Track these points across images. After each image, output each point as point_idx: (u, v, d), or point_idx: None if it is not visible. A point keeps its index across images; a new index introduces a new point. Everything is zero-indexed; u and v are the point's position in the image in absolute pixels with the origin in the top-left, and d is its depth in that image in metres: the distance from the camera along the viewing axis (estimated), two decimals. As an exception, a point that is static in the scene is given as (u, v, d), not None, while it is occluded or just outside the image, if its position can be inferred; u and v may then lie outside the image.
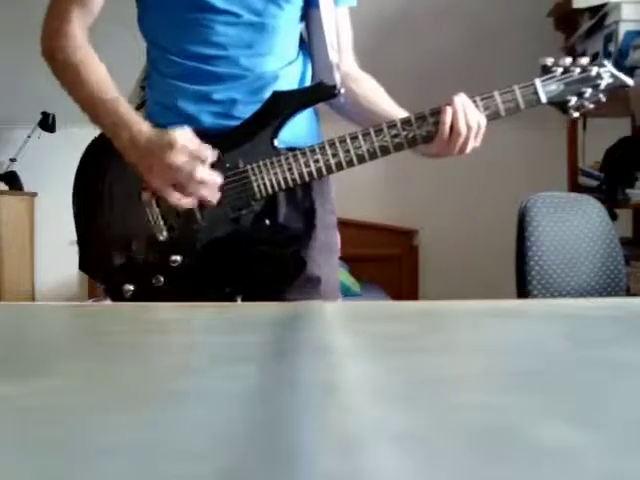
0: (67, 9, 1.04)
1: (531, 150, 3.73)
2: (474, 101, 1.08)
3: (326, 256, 1.14)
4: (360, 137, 1.06)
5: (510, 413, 0.26)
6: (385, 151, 1.07)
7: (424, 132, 1.07)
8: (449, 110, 1.05)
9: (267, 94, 1.07)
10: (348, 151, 1.05)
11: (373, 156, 1.06)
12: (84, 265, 1.11)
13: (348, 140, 1.06)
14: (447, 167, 3.86)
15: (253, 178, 1.05)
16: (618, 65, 2.52)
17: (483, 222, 3.74)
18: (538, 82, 1.09)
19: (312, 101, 1.11)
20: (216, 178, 1.02)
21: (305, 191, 1.13)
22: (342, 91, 1.09)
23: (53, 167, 3.87)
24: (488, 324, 0.56)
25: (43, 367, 0.37)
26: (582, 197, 2.06)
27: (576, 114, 1.11)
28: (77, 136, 4.26)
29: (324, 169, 1.06)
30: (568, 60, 1.10)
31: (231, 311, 0.66)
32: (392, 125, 1.07)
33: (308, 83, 1.16)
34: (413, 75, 3.33)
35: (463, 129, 1.06)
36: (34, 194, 3.90)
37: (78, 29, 1.05)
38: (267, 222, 1.08)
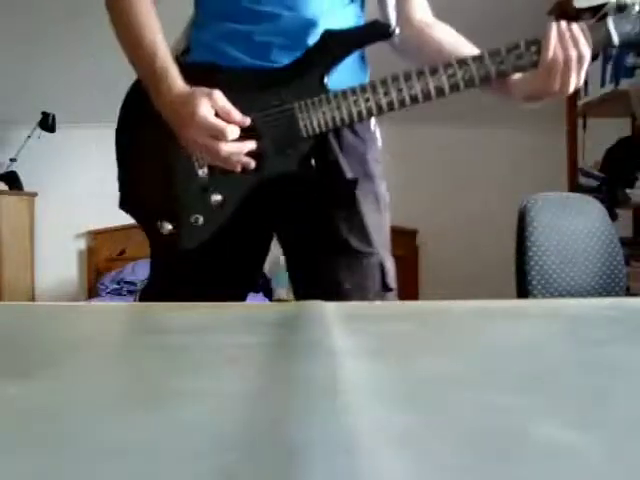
0: None
1: (531, 150, 3.74)
2: (580, 27, 0.99)
3: (374, 206, 1.09)
4: (414, 76, 0.99)
5: (510, 413, 0.26)
6: (440, 92, 0.99)
7: (505, 67, 0.98)
8: (553, 33, 0.98)
9: (310, 40, 1.03)
10: (401, 90, 0.99)
11: (427, 96, 0.99)
12: (125, 203, 1.09)
13: (401, 78, 0.99)
14: (447, 167, 3.87)
15: (299, 116, 1.00)
16: (618, 65, 2.52)
17: (483, 222, 3.75)
18: (610, 21, 1.01)
19: (366, 41, 1.05)
20: (244, 145, 0.97)
21: (355, 137, 1.08)
22: (397, 31, 1.03)
23: (53, 167, 3.87)
24: (488, 324, 0.56)
25: (43, 367, 0.37)
26: (582, 197, 2.06)
27: None
28: (77, 136, 4.24)
29: (374, 108, 0.99)
30: None
31: (230, 311, 0.66)
32: (449, 64, 0.99)
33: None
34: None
35: (561, 58, 0.97)
36: (34, 194, 3.90)
37: None
38: (312, 162, 1.02)
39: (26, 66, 3.63)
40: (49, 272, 3.94)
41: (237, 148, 0.97)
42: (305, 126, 1.00)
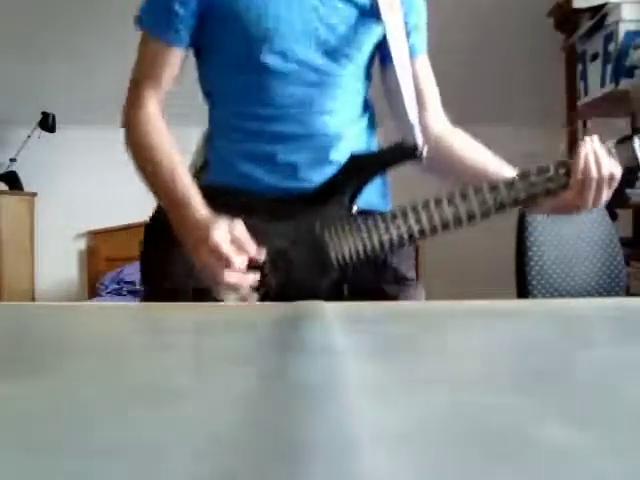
0: (142, 91, 1.03)
1: (531, 150, 3.74)
2: (608, 149, 1.00)
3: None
4: (444, 201, 0.99)
5: (510, 413, 0.26)
6: (471, 218, 1.01)
7: (527, 193, 0.99)
8: (582, 157, 0.97)
9: (333, 155, 1.03)
10: (431, 217, 0.98)
11: (459, 223, 1.00)
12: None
13: (432, 204, 0.98)
14: (447, 167, 3.87)
15: (331, 245, 0.98)
16: (618, 65, 2.52)
17: (483, 222, 3.74)
18: (637, 142, 1.01)
19: (392, 163, 1.03)
20: (244, 280, 0.93)
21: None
22: (424, 152, 1.02)
23: (53, 167, 3.87)
24: (488, 324, 0.56)
25: (43, 367, 0.37)
26: (582, 197, 2.06)
27: None
28: (77, 136, 4.25)
29: (405, 236, 0.98)
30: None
31: (231, 311, 0.66)
32: (479, 190, 0.99)
33: (374, 143, 1.11)
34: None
35: (594, 178, 0.98)
36: (34, 194, 3.90)
37: (153, 108, 1.04)
38: (345, 290, 1.01)
39: (26, 66, 3.63)
40: (49, 272, 3.94)
41: (235, 281, 0.92)
42: (336, 256, 0.99)
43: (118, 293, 3.45)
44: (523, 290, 1.83)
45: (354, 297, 1.00)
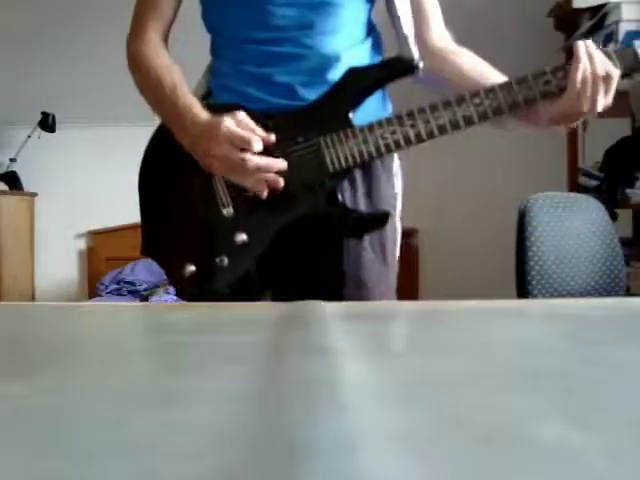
0: (144, 21, 1.07)
1: (531, 150, 3.73)
2: (605, 51, 0.99)
3: (380, 256, 1.06)
4: (440, 106, 0.97)
5: (510, 413, 0.26)
6: (469, 121, 0.98)
7: (534, 94, 0.97)
8: (582, 52, 0.97)
9: (331, 75, 1.02)
10: (428, 121, 0.97)
11: (456, 126, 0.98)
12: (147, 247, 1.08)
13: (427, 110, 0.97)
14: (447, 167, 3.87)
15: (326, 151, 0.99)
16: (618, 65, 2.52)
17: (483, 222, 3.75)
18: (639, 46, 1.01)
19: (390, 77, 1.03)
20: (273, 161, 0.96)
21: (368, 182, 1.07)
22: (421, 65, 1.01)
23: (53, 167, 3.87)
24: (488, 324, 0.56)
25: (43, 367, 0.37)
26: (582, 197, 2.06)
27: None
28: (77, 136, 4.26)
29: (402, 140, 0.98)
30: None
31: (230, 311, 0.66)
32: (475, 94, 0.98)
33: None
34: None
35: (589, 78, 0.96)
36: (34, 194, 3.90)
37: (154, 35, 1.07)
38: (340, 198, 1.01)
39: (26, 66, 3.63)
40: (49, 272, 3.94)
41: (265, 162, 0.95)
42: (332, 161, 0.99)
43: (118, 293, 3.45)
44: (523, 290, 1.83)
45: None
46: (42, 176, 3.87)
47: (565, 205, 1.92)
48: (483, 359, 0.39)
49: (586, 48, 0.98)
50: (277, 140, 0.98)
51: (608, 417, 0.26)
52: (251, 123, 0.95)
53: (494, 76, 1.05)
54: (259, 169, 0.95)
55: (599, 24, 2.60)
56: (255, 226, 1.00)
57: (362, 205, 1.06)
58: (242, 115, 0.96)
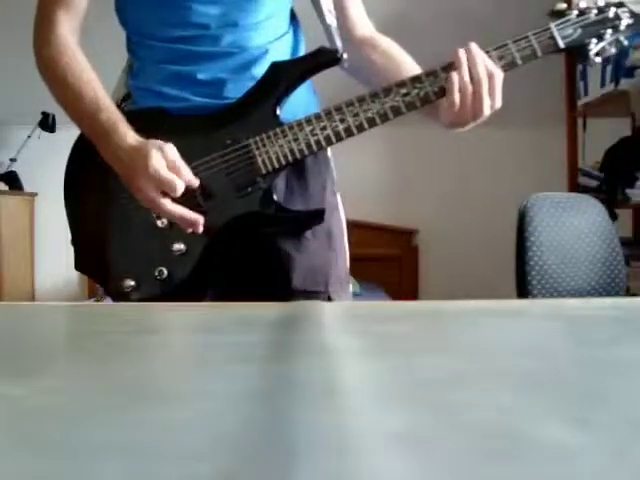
0: (51, 14, 1.00)
1: (531, 150, 3.74)
2: (487, 52, 0.98)
3: (325, 243, 1.06)
4: (368, 99, 0.97)
5: (510, 413, 0.26)
6: (397, 111, 0.97)
7: (436, 88, 0.98)
8: (454, 64, 0.97)
9: (257, 70, 1.00)
10: (357, 115, 0.97)
11: (384, 118, 0.97)
12: (80, 264, 1.04)
13: (356, 103, 0.97)
14: (447, 167, 3.87)
15: (257, 152, 0.97)
16: (618, 65, 2.52)
17: (483, 222, 3.75)
18: (553, 27, 1.02)
19: (314, 68, 1.01)
20: (187, 215, 0.93)
21: (300, 171, 1.05)
22: (345, 56, 1.00)
23: (53, 167, 3.86)
24: (488, 324, 0.56)
25: (43, 367, 0.37)
26: (582, 197, 2.07)
27: (598, 59, 1.03)
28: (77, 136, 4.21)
29: (333, 136, 0.97)
30: (582, 3, 1.03)
31: (230, 311, 0.66)
32: (401, 84, 0.98)
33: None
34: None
35: (468, 83, 0.95)
36: (34, 194, 3.90)
37: (64, 32, 1.00)
38: (275, 198, 1.00)
39: (26, 66, 3.63)
40: (49, 272, 3.94)
41: (180, 214, 0.93)
42: (264, 162, 0.98)
43: (118, 293, 3.45)
44: (523, 290, 1.83)
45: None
46: (42, 176, 3.87)
47: (565, 205, 1.92)
48: (483, 359, 0.39)
49: (465, 51, 0.97)
50: (206, 143, 0.97)
51: (608, 417, 0.26)
52: (178, 161, 0.92)
53: (405, 74, 1.03)
54: (174, 217, 0.93)
55: (599, 24, 2.59)
56: (191, 233, 0.97)
57: (298, 199, 1.05)
58: (171, 153, 0.92)
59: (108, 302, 1.09)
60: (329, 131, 0.97)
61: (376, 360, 0.38)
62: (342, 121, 0.97)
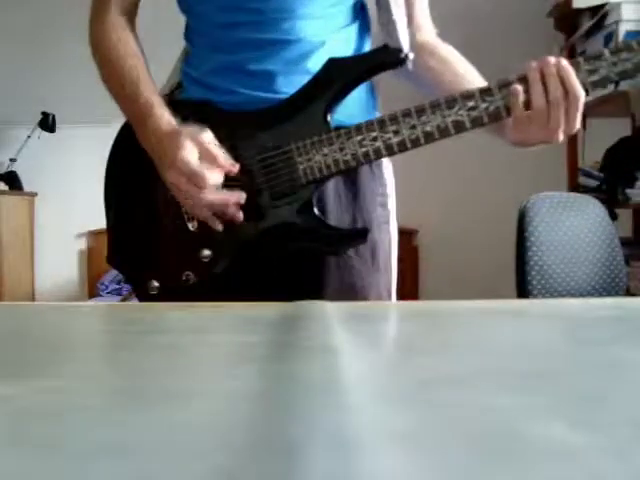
0: (105, 4, 0.97)
1: (531, 150, 3.73)
2: (576, 63, 0.84)
3: (368, 261, 0.98)
4: (428, 109, 0.86)
5: (510, 413, 0.26)
6: (460, 127, 0.86)
7: (506, 103, 0.86)
8: (525, 78, 0.85)
9: (311, 64, 0.93)
10: (414, 127, 0.87)
11: (444, 133, 0.87)
12: (112, 258, 1.01)
13: (414, 114, 0.87)
14: (447, 167, 3.87)
15: (298, 159, 0.89)
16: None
17: (483, 222, 3.75)
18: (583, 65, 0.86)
19: (375, 68, 0.92)
20: (230, 197, 0.87)
21: (352, 181, 0.98)
22: (411, 56, 0.91)
23: (53, 167, 3.88)
24: (488, 324, 0.56)
25: (43, 367, 0.37)
26: (582, 197, 2.07)
27: None
28: (77, 136, 4.27)
29: (383, 149, 0.88)
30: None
31: (231, 311, 0.66)
32: (469, 95, 0.86)
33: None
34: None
35: (540, 102, 0.84)
36: (34, 194, 3.90)
37: (116, 16, 0.97)
38: (316, 211, 0.91)
39: (26, 66, 3.63)
40: (49, 272, 3.94)
41: (220, 199, 0.86)
42: (305, 171, 0.90)
43: (118, 293, 3.46)
44: (523, 290, 1.83)
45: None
46: (42, 176, 3.87)
47: (565, 205, 1.92)
48: (483, 359, 0.39)
49: (541, 66, 0.85)
50: (250, 141, 0.92)
51: (608, 417, 0.26)
52: (214, 150, 0.86)
53: (465, 85, 0.94)
54: (212, 206, 0.87)
55: (599, 24, 2.60)
56: (220, 240, 0.92)
57: (345, 210, 0.97)
58: (206, 142, 0.86)
59: (134, 302, 1.06)
60: (380, 143, 0.88)
61: (376, 360, 0.38)
62: (396, 133, 0.87)
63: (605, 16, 2.55)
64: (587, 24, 2.67)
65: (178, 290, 0.93)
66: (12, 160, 3.79)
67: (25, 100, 3.67)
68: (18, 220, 3.81)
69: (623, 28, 2.45)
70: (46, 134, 3.67)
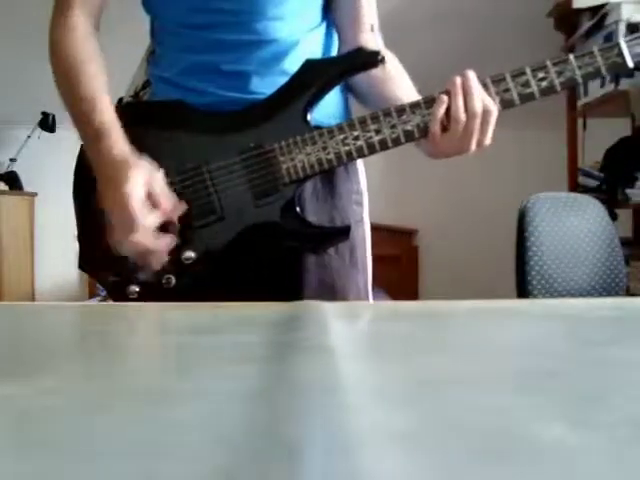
0: (68, 8, 0.94)
1: (531, 150, 3.74)
2: (484, 84, 0.89)
3: (347, 259, 0.99)
4: (408, 109, 0.89)
5: (510, 413, 0.26)
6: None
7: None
8: (444, 96, 0.88)
9: (287, 64, 0.93)
10: (394, 126, 0.88)
11: (423, 132, 0.89)
12: (84, 264, 0.98)
13: (394, 113, 0.88)
14: (447, 167, 3.87)
15: (281, 159, 0.89)
16: (618, 65, 2.52)
17: (483, 222, 3.75)
18: (623, 42, 0.88)
19: (352, 70, 0.93)
20: (154, 245, 0.84)
21: (329, 180, 0.98)
22: (386, 57, 0.92)
23: (53, 167, 3.88)
24: (488, 324, 0.56)
25: (43, 367, 0.37)
26: (582, 197, 2.07)
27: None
28: (77, 136, 4.24)
29: (365, 148, 0.89)
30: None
31: (230, 311, 0.66)
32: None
33: (334, 54, 1.01)
34: (412, 77, 3.33)
35: (461, 116, 0.87)
36: (34, 194, 3.90)
37: (81, 18, 0.94)
38: (298, 210, 0.92)
39: (26, 66, 3.63)
40: (49, 272, 3.94)
41: (144, 244, 0.84)
42: (288, 170, 0.90)
43: (118, 293, 3.46)
44: (523, 290, 1.83)
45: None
46: (42, 176, 3.87)
47: (565, 205, 1.92)
48: (483, 359, 0.39)
49: (461, 82, 0.88)
50: (228, 142, 0.91)
51: (608, 417, 0.26)
52: (162, 191, 0.84)
53: (404, 93, 0.96)
54: (137, 246, 0.84)
55: (599, 24, 2.60)
56: (203, 241, 0.91)
57: (323, 208, 0.98)
58: (155, 186, 0.83)
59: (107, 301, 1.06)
60: (362, 142, 0.89)
61: (376, 360, 0.38)
62: (377, 132, 0.89)
63: (605, 16, 2.55)
64: (587, 24, 2.66)
65: (157, 293, 0.91)
66: (12, 160, 3.79)
67: (25, 100, 3.67)
68: (18, 220, 3.81)
69: (623, 28, 2.45)
70: (46, 134, 3.68)
